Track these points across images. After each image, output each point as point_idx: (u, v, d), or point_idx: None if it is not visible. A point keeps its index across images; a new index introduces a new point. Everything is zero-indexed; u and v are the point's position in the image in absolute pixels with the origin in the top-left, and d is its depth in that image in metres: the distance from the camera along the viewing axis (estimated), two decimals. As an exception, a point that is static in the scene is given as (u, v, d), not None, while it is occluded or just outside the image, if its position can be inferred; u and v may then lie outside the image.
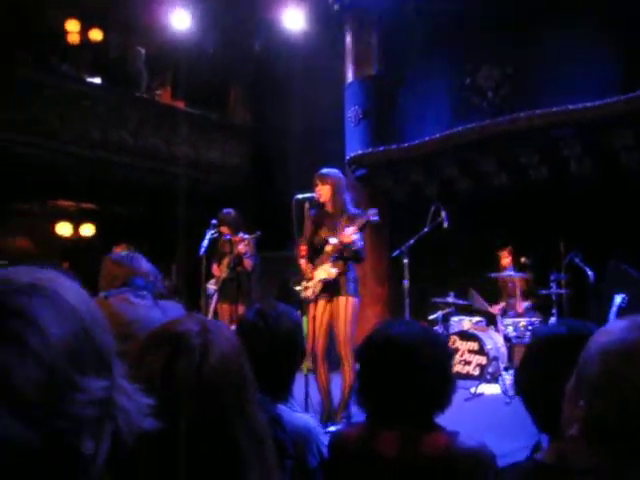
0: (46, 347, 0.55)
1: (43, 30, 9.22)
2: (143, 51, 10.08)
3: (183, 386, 0.90)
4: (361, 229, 4.33)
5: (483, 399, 5.71)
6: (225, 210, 5.98)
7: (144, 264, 2.37)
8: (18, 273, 0.62)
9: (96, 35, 9.97)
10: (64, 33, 9.57)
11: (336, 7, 8.60)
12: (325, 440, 1.72)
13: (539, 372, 1.25)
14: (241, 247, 5.53)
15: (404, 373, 1.50)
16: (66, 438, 0.55)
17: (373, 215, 4.30)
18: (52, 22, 9.38)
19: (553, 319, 5.94)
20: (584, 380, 0.85)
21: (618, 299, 5.59)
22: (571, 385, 0.89)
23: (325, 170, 4.59)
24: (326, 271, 4.40)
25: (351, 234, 4.25)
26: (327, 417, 4.38)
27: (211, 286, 5.88)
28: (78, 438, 0.56)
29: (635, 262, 5.96)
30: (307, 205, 4.42)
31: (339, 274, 4.40)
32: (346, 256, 4.42)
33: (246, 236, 5.61)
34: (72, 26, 9.61)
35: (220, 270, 5.86)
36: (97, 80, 9.38)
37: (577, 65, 6.17)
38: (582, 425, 0.84)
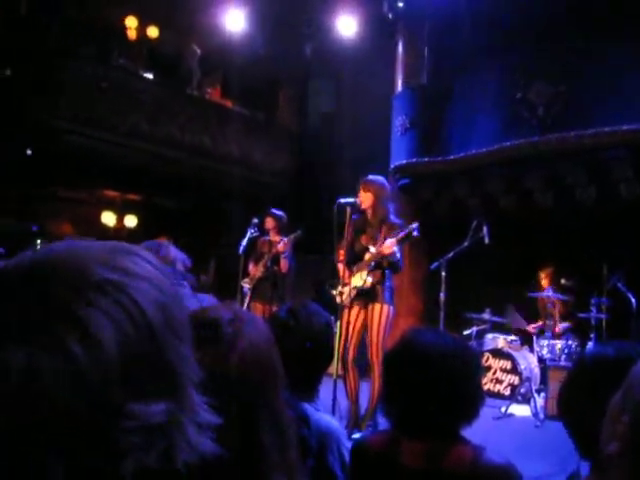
0: (94, 361, 0.47)
1: (104, 26, 9.49)
2: (199, 50, 10.26)
3: (209, 374, 0.89)
4: (401, 242, 4.31)
5: (512, 420, 5.60)
6: (276, 211, 6.03)
7: (173, 252, 2.38)
8: (92, 260, 0.52)
9: (152, 32, 10.21)
10: (123, 29, 9.83)
11: (390, 16, 8.60)
12: (348, 445, 1.71)
13: (584, 394, 1.21)
14: (280, 246, 5.56)
15: (431, 383, 1.47)
16: (93, 463, 0.48)
17: (415, 229, 4.28)
18: (112, 19, 9.64)
19: (591, 343, 5.79)
20: (631, 397, 0.82)
21: (661, 327, 5.42)
22: (615, 400, 0.86)
23: (370, 177, 4.59)
24: (362, 279, 4.40)
25: (391, 246, 4.24)
26: (353, 424, 4.37)
27: (246, 285, 5.93)
28: (115, 463, 0.48)
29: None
30: (349, 210, 4.41)
31: (374, 283, 4.39)
32: (384, 266, 4.41)
33: (283, 239, 5.65)
34: (130, 22, 9.86)
35: (256, 269, 5.91)
36: (150, 75, 9.60)
37: (631, 85, 6.02)
38: (623, 443, 0.81)
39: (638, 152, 6.12)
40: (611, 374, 0.91)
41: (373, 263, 4.40)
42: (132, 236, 10.17)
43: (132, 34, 9.97)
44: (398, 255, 4.34)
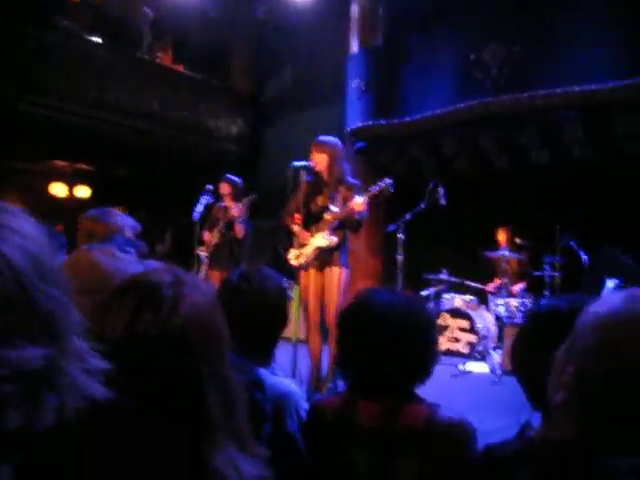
0: None
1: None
2: (151, 13, 9.89)
3: (148, 337, 0.85)
4: (373, 198, 4.27)
5: (470, 377, 5.75)
6: (231, 177, 5.92)
7: (121, 219, 2.31)
8: None
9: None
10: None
11: (343, -24, 8.43)
12: (306, 406, 1.70)
13: (536, 346, 1.21)
14: (235, 210, 5.49)
15: (386, 342, 1.46)
16: None
17: (390, 185, 4.24)
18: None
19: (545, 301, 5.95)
20: (576, 347, 0.84)
21: (610, 284, 5.59)
22: (562, 352, 0.89)
23: (323, 138, 4.50)
24: (326, 238, 4.33)
25: (363, 202, 4.18)
26: (314, 388, 4.39)
27: (202, 252, 5.85)
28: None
29: (629, 248, 5.95)
30: (303, 173, 4.35)
31: (340, 243, 4.35)
32: (347, 225, 4.36)
33: (240, 203, 5.57)
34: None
35: (211, 236, 5.83)
36: (97, 39, 9.22)
37: (583, 48, 6.07)
38: (568, 392, 0.83)
39: (589, 113, 6.22)
40: (562, 326, 0.91)
41: (337, 222, 4.36)
42: (84, 207, 9.89)
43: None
44: (365, 214, 4.30)
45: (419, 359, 1.50)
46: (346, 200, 4.29)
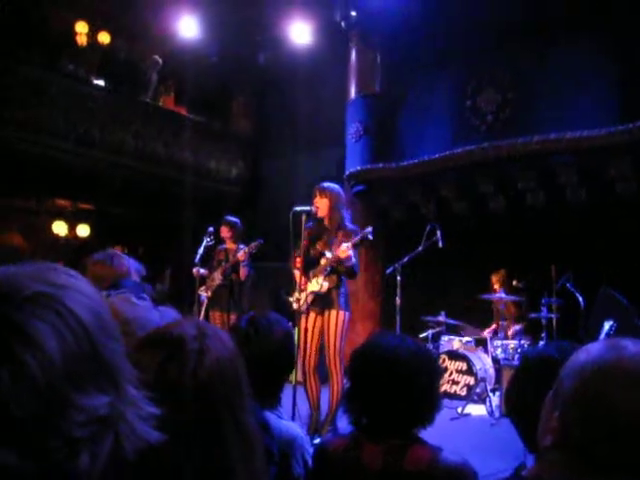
0: (42, 366, 0.53)
1: (51, 30, 9.29)
2: (160, 61, 10.15)
3: (176, 390, 0.91)
4: (356, 245, 4.38)
5: (469, 419, 5.73)
6: (231, 218, 6.02)
7: (126, 262, 2.37)
8: (23, 277, 0.59)
9: (104, 38, 10.05)
10: (73, 34, 9.64)
11: (343, 24, 8.70)
12: (311, 450, 1.74)
13: (529, 392, 1.28)
14: (241, 254, 5.57)
15: (394, 385, 1.52)
16: (58, 457, 0.53)
17: (369, 233, 4.37)
18: (61, 23, 9.45)
19: (542, 343, 5.97)
20: (560, 393, 0.90)
21: (607, 326, 5.63)
22: (549, 397, 0.94)
23: (325, 184, 4.64)
24: (319, 284, 4.46)
25: (346, 249, 4.31)
26: (314, 430, 4.39)
27: (203, 293, 5.90)
28: (72, 457, 0.54)
29: (625, 289, 6.01)
30: (304, 217, 4.46)
31: (331, 288, 4.45)
32: (339, 271, 4.47)
33: (242, 246, 5.66)
34: (81, 28, 9.69)
35: (213, 278, 5.89)
36: (102, 82, 9.45)
37: (577, 94, 6.26)
38: (555, 436, 0.89)
39: (583, 158, 6.37)
40: (551, 372, 0.98)
41: (329, 268, 4.46)
42: (84, 246, 9.96)
43: (82, 40, 9.79)
44: (354, 260, 4.41)
45: (425, 403, 1.55)
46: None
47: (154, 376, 0.92)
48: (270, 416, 1.69)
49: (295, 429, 1.75)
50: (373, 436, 1.55)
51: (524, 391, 1.31)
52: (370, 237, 4.38)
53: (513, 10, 7.21)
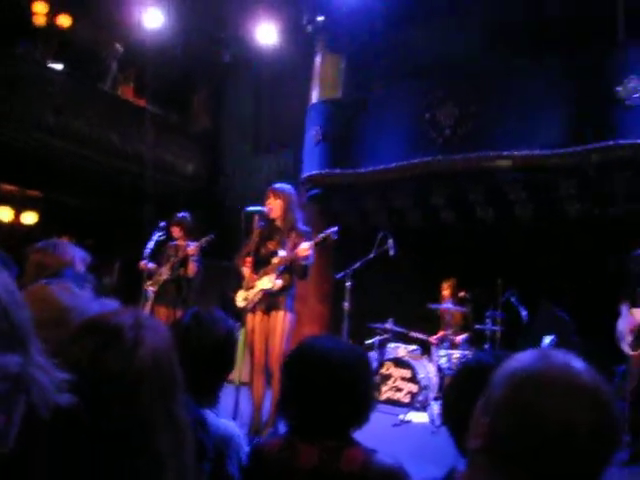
0: None
1: (6, 8, 8.99)
2: (121, 49, 9.95)
3: (108, 378, 0.90)
4: (318, 244, 4.39)
5: (410, 426, 5.80)
6: (182, 214, 5.95)
7: (71, 251, 2.32)
8: None
9: (64, 21, 9.77)
10: (30, 15, 9.35)
11: (309, 28, 8.74)
12: (247, 449, 1.74)
13: (464, 398, 1.30)
14: (191, 248, 5.51)
15: (327, 387, 1.54)
16: None
17: (333, 233, 4.38)
18: (18, 1, 9.15)
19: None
20: (491, 399, 0.92)
21: (547, 340, 5.81)
22: (480, 403, 0.96)
23: (278, 185, 4.66)
24: (271, 281, 4.43)
25: (308, 248, 4.31)
26: (255, 430, 4.38)
27: (150, 288, 5.80)
28: None
29: (566, 306, 6.22)
30: (257, 218, 4.46)
31: (283, 287, 4.44)
32: (293, 270, 4.46)
33: (191, 243, 5.59)
34: (40, 8, 9.40)
35: (161, 272, 5.80)
36: (59, 66, 9.20)
37: (532, 114, 6.44)
38: (484, 441, 0.91)
39: (532, 176, 6.56)
40: (485, 379, 1.00)
41: (282, 266, 4.45)
42: (30, 234, 9.66)
43: (40, 21, 9.49)
44: (311, 259, 4.42)
45: (357, 405, 1.57)
46: (295, 246, 4.42)
47: (88, 362, 0.91)
48: (208, 413, 1.68)
49: (232, 428, 1.74)
50: (308, 437, 1.56)
51: (460, 398, 1.34)
52: (334, 237, 4.40)
53: (475, 29, 7.39)
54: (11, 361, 0.61)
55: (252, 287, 4.49)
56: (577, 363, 0.90)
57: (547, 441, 0.84)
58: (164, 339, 1.01)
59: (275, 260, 4.46)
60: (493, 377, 0.94)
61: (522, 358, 0.94)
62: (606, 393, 0.88)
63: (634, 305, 4.39)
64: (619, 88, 5.95)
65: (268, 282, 4.45)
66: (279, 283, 4.43)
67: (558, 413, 0.84)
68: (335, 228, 4.44)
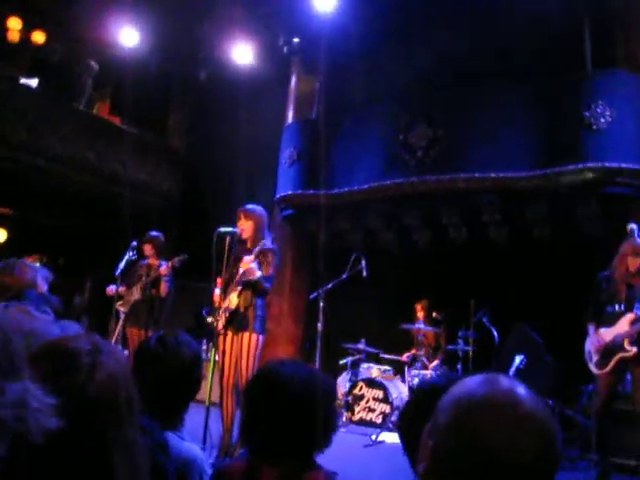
0: None
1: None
2: (96, 67, 9.92)
3: (63, 403, 0.90)
4: (257, 257, 4.40)
5: (382, 447, 5.79)
6: (154, 233, 5.90)
7: (30, 272, 2.31)
8: None
9: (38, 37, 9.73)
10: (5, 30, 9.29)
11: (285, 49, 8.83)
12: (210, 472, 1.73)
13: (417, 419, 1.32)
14: (163, 268, 5.46)
15: (288, 411, 1.55)
16: None
17: (269, 243, 4.41)
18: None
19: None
20: (435, 424, 0.93)
21: (517, 360, 5.87)
22: (427, 427, 0.97)
23: (250, 206, 4.68)
24: (231, 300, 4.45)
25: (248, 262, 4.35)
26: (225, 452, 4.33)
27: (121, 308, 5.72)
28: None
29: (538, 327, 6.29)
30: (228, 239, 4.47)
31: (247, 307, 4.43)
32: (252, 288, 4.46)
33: (163, 263, 5.55)
34: (14, 24, 9.34)
35: (131, 293, 5.73)
36: (33, 83, 9.12)
37: (504, 137, 6.57)
38: (428, 464, 0.92)
39: (505, 198, 6.66)
40: (437, 402, 1.02)
41: (240, 284, 4.45)
42: (-1, 251, 9.51)
43: (14, 36, 9.43)
44: (258, 273, 4.40)
45: (319, 429, 1.58)
46: (260, 265, 4.43)
47: (43, 387, 0.91)
48: (171, 436, 1.67)
49: (195, 450, 1.73)
50: (270, 460, 1.56)
51: (413, 417, 1.35)
52: (269, 246, 4.46)
53: (449, 53, 7.53)
54: (15, 388, 0.65)
55: (219, 307, 4.50)
56: (521, 389, 0.91)
57: (488, 467, 0.84)
58: (121, 364, 1.01)
59: (237, 278, 4.49)
60: (440, 401, 0.96)
61: (467, 383, 0.94)
62: (549, 419, 0.89)
63: (600, 325, 4.46)
64: (587, 113, 6.11)
65: (228, 301, 4.48)
66: (235, 301, 4.45)
67: (499, 442, 0.84)
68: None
